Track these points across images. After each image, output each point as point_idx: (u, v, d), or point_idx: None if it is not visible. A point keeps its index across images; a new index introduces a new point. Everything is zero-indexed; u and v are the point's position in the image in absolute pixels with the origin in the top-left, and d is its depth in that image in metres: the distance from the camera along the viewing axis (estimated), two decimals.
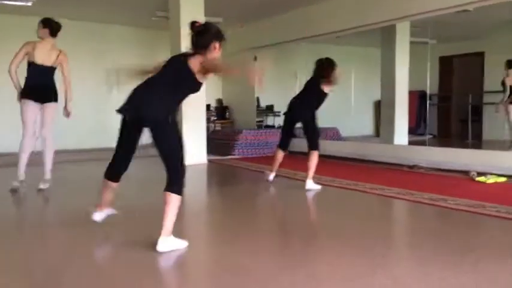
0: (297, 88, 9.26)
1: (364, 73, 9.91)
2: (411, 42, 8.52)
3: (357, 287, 2.14)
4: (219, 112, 10.20)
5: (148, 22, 8.64)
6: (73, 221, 3.48)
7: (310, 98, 4.83)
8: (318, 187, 4.67)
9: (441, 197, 4.12)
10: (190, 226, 3.49)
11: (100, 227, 3.15)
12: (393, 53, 8.23)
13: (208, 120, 8.47)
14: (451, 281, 2.20)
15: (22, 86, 4.47)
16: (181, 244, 2.69)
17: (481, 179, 4.96)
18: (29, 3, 6.82)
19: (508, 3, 5.33)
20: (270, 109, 9.86)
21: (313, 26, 7.66)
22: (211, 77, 2.95)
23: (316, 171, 4.76)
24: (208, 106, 9.22)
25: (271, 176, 5.14)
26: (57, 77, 4.71)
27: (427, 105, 9.70)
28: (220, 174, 6.47)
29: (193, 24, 2.82)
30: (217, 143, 7.97)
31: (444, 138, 10.21)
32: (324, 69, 4.75)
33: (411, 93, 8.89)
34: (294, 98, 5.05)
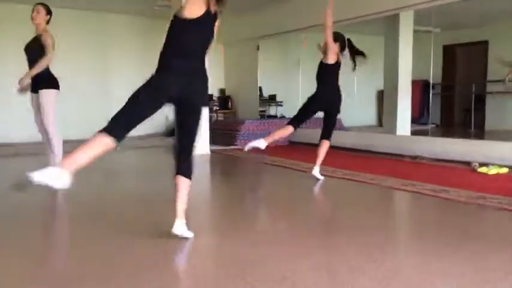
0: (300, 78, 9.27)
1: (367, 62, 9.89)
2: (415, 31, 8.46)
3: (360, 276, 2.17)
4: (221, 102, 10.20)
5: (150, 11, 8.60)
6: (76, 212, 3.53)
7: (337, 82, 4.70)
8: (321, 177, 4.68)
9: (443, 188, 4.14)
10: (195, 217, 3.53)
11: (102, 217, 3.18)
12: (397, 41, 8.19)
13: (210, 110, 8.49)
14: (450, 271, 2.23)
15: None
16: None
17: (483, 169, 4.98)
18: None
19: None
20: (272, 99, 9.86)
21: (316, 15, 7.61)
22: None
23: (315, 162, 4.78)
24: (210, 96, 9.23)
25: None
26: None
27: (430, 94, 9.68)
28: (224, 165, 6.51)
29: None
30: (220, 133, 7.99)
31: (447, 128, 10.21)
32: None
33: (414, 83, 8.85)
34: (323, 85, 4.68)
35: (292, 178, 5.10)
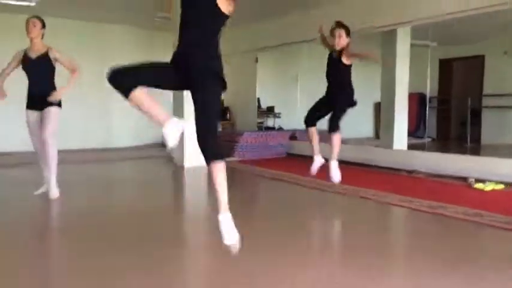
0: (298, 89, 9.34)
1: (364, 73, 9.97)
2: (412, 45, 8.55)
3: None
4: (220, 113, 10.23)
5: (148, 22, 8.67)
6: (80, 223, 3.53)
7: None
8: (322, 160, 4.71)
9: (440, 204, 4.18)
10: (192, 231, 3.55)
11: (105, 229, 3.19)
12: (394, 54, 8.26)
13: None
14: None
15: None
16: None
17: (479, 186, 5.02)
18: (33, 3, 6.85)
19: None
20: (270, 110, 9.91)
21: (315, 28, 7.70)
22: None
23: (314, 175, 4.80)
24: None
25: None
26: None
27: (427, 107, 9.76)
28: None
29: None
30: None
31: (443, 141, 10.28)
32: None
33: (411, 96, 8.93)
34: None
35: (289, 191, 5.12)
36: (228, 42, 9.79)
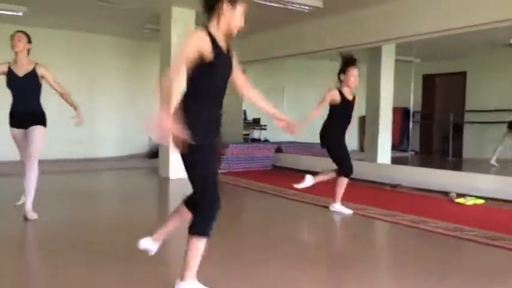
0: (285, 103, 9.41)
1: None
2: (396, 60, 8.74)
3: None
4: None
5: (137, 34, 8.68)
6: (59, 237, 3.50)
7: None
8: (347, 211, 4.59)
9: (422, 219, 4.25)
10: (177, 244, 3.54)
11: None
12: (379, 70, 8.43)
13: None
14: None
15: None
16: None
17: (461, 200, 5.12)
18: (20, 13, 6.81)
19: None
20: (256, 122, 9.96)
21: (302, 43, 7.81)
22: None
23: (299, 189, 4.83)
24: None
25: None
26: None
27: (410, 122, 9.92)
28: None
29: None
30: None
31: (426, 155, 10.44)
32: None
33: (395, 110, 9.09)
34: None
35: (275, 204, 5.15)
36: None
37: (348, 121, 4.52)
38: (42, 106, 4.19)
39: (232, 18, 2.23)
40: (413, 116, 10.30)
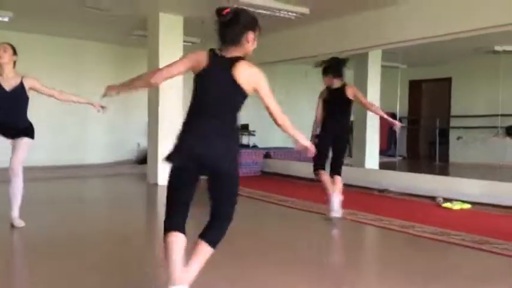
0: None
1: None
2: (382, 66, 8.84)
3: None
4: None
5: (125, 40, 8.65)
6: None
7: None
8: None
9: (409, 223, 4.28)
10: None
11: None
12: (365, 76, 8.52)
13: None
14: None
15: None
16: None
17: (447, 205, 5.17)
18: (6, 19, 6.74)
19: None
20: (245, 128, 9.96)
21: (290, 49, 7.86)
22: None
23: (288, 194, 4.83)
24: None
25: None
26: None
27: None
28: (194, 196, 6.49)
29: (220, 12, 2.21)
30: None
31: (413, 160, 10.55)
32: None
33: None
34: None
35: (262, 209, 5.15)
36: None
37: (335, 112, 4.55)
38: (29, 119, 4.07)
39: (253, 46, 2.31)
40: (400, 121, 10.41)
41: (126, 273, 2.82)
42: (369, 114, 8.34)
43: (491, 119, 9.12)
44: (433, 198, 5.54)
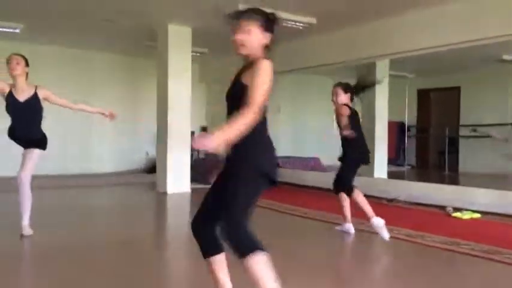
0: (280, 120, 9.45)
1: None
2: (390, 75, 8.84)
3: None
4: None
5: (134, 50, 8.76)
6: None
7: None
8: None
9: (418, 233, 4.26)
10: (177, 263, 3.54)
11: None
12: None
13: (192, 148, 8.55)
14: None
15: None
16: None
17: (457, 214, 5.14)
18: (17, 30, 6.87)
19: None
20: None
21: (297, 59, 7.90)
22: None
23: (295, 202, 4.80)
24: (192, 133, 9.30)
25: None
26: None
27: (406, 136, 9.97)
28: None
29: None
30: (201, 171, 8.03)
31: (422, 169, 10.48)
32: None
33: (391, 124, 9.15)
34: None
35: (270, 218, 5.15)
36: (212, 70, 9.98)
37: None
38: (42, 130, 4.07)
39: None
40: (408, 130, 10.38)
41: (134, 281, 2.83)
42: (377, 123, 8.33)
43: (500, 128, 9.06)
44: (442, 207, 5.50)
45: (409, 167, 10.15)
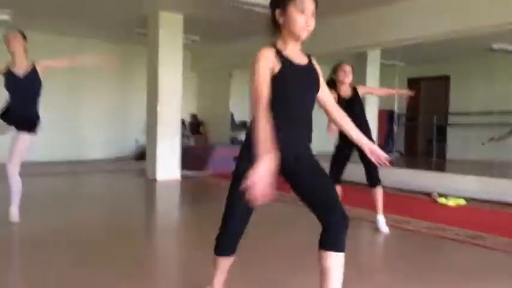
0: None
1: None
2: (381, 64, 8.89)
3: None
4: (193, 127, 10.29)
5: (125, 37, 8.70)
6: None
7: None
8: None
9: (404, 218, 4.35)
10: (163, 244, 3.59)
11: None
12: (364, 73, 8.57)
13: (182, 135, 8.56)
14: None
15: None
16: None
17: (442, 200, 5.24)
18: (6, 17, 6.79)
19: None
20: (244, 125, 10.02)
21: None
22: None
23: (280, 190, 4.81)
24: (182, 121, 9.31)
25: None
26: None
27: (395, 124, 10.06)
28: (192, 191, 6.56)
29: None
30: (191, 158, 8.06)
31: (411, 157, 10.60)
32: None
33: (381, 112, 9.23)
34: None
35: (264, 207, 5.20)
36: (203, 58, 9.96)
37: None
38: (38, 110, 3.98)
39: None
40: (398, 119, 10.47)
41: (123, 266, 2.87)
42: (367, 111, 8.37)
43: (489, 116, 9.18)
44: (428, 194, 5.60)
45: (398, 154, 10.25)
